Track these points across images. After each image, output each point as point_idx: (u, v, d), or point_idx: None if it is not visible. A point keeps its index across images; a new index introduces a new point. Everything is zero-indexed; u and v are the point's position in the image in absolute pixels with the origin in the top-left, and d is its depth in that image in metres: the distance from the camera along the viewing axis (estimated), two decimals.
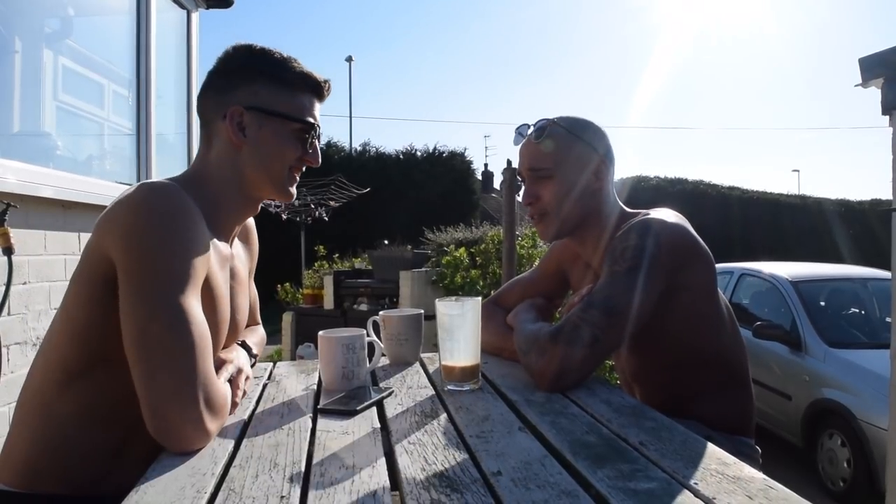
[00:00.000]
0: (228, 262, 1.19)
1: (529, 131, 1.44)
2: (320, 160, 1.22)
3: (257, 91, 1.13)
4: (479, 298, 1.25)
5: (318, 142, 1.22)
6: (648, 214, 1.36)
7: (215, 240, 1.13)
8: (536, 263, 1.73)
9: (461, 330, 1.20)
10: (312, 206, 8.75)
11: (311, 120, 1.17)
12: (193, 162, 1.19)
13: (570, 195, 1.41)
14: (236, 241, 1.29)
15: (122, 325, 0.95)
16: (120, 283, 0.97)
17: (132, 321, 0.94)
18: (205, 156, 1.17)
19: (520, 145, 1.47)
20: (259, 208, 1.25)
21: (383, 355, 1.50)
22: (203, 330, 0.97)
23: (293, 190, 1.22)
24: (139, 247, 0.97)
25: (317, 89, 1.19)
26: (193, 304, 0.97)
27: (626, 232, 1.31)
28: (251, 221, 1.38)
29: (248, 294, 1.33)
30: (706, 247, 1.34)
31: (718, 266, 1.39)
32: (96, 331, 1.03)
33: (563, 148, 1.41)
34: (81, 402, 1.04)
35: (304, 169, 1.22)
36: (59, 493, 1.04)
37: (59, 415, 1.05)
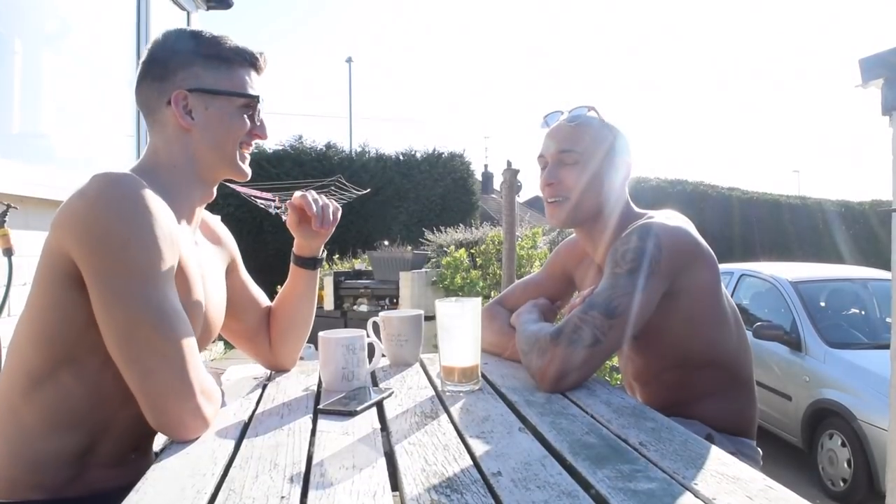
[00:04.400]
0: (197, 247, 1.18)
1: (562, 117, 1.44)
2: (268, 133, 1.21)
3: (197, 73, 1.12)
4: (479, 299, 1.25)
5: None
6: (653, 218, 1.36)
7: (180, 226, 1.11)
8: (537, 264, 1.73)
9: (461, 331, 1.20)
10: None
11: (255, 93, 1.17)
12: (143, 154, 1.17)
13: (591, 186, 1.40)
14: (204, 240, 1.27)
15: (102, 327, 0.95)
16: (90, 284, 0.95)
17: (114, 323, 0.94)
18: (153, 145, 1.15)
19: (549, 129, 1.45)
20: (215, 194, 1.22)
21: (383, 356, 1.50)
22: (186, 322, 0.98)
23: (247, 167, 1.21)
24: (104, 243, 0.95)
25: (253, 62, 1.18)
26: (171, 296, 0.97)
27: (628, 234, 1.31)
28: (217, 221, 1.36)
29: (223, 292, 1.29)
30: (709, 249, 1.34)
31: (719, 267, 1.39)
32: (60, 334, 1.01)
33: (597, 138, 1.40)
34: (45, 408, 1.02)
35: (252, 145, 1.21)
36: (36, 498, 1.02)
37: (24, 422, 1.03)
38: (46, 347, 1.02)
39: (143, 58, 1.16)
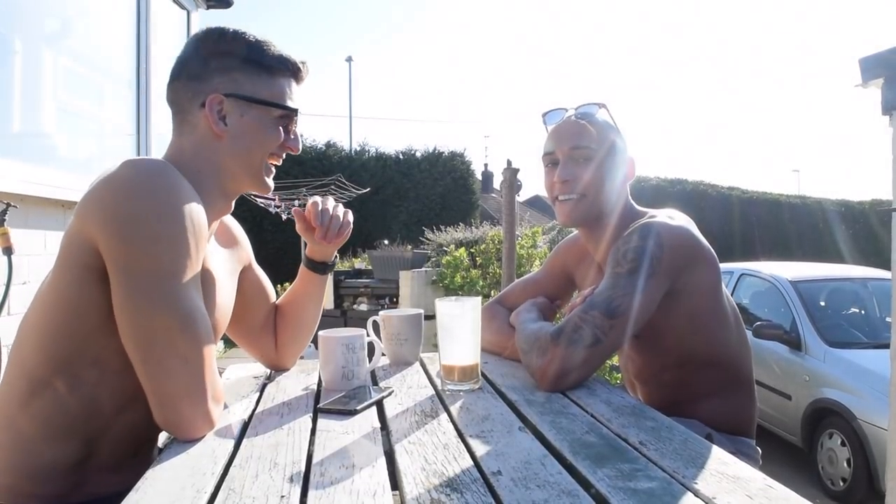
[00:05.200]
0: (211, 255, 1.16)
1: (568, 113, 1.43)
2: (301, 147, 1.19)
3: (236, 78, 1.08)
4: (479, 298, 1.25)
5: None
6: (655, 217, 1.35)
7: None
8: (537, 263, 1.73)
9: (461, 330, 1.20)
10: None
11: (294, 105, 1.13)
12: (166, 152, 1.12)
13: (605, 182, 1.39)
14: (214, 242, 1.23)
15: (122, 322, 0.93)
16: (113, 276, 0.92)
17: (138, 322, 0.92)
18: (178, 146, 1.10)
19: (555, 126, 1.44)
20: (232, 207, 1.19)
21: (383, 355, 1.50)
22: (209, 324, 0.97)
23: (270, 181, 1.17)
24: (134, 235, 0.91)
25: (295, 72, 1.15)
26: (197, 297, 0.96)
27: (630, 234, 1.30)
28: (232, 221, 1.33)
29: (231, 300, 1.27)
30: (710, 248, 1.34)
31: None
32: (66, 335, 0.98)
33: (604, 136, 1.40)
34: (41, 417, 1.00)
35: (283, 157, 1.18)
36: None
37: (21, 433, 1.01)
38: (49, 349, 0.99)
39: (179, 53, 1.11)
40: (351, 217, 1.33)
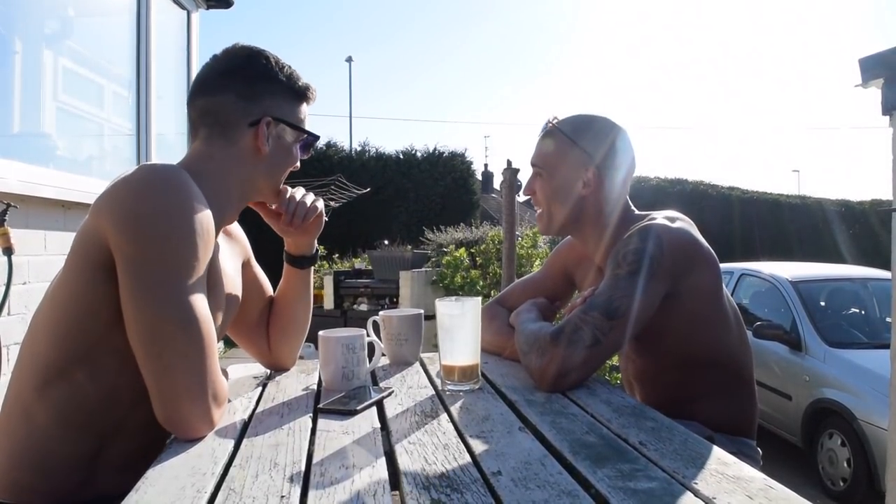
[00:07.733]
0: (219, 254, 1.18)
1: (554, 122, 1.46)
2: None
3: (280, 103, 1.17)
4: (479, 299, 1.25)
5: None
6: (655, 219, 1.35)
7: None
8: (537, 264, 1.74)
9: (461, 330, 1.20)
10: None
11: (316, 133, 1.23)
12: (190, 156, 1.14)
13: (556, 197, 1.44)
14: (221, 237, 1.25)
15: (127, 317, 0.94)
16: (121, 272, 0.94)
17: (141, 317, 0.93)
18: (206, 153, 1.13)
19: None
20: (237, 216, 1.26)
21: (383, 355, 1.50)
22: (211, 326, 0.98)
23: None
24: (144, 233, 0.94)
25: (310, 98, 1.24)
26: (201, 297, 0.97)
27: (630, 236, 1.30)
28: None
29: (237, 288, 1.29)
30: (710, 250, 1.34)
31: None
32: (80, 330, 1.00)
33: (556, 152, 1.43)
34: (58, 406, 1.01)
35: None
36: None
37: (36, 423, 1.02)
38: (64, 342, 1.01)
39: (217, 66, 1.15)
40: (320, 204, 1.33)
